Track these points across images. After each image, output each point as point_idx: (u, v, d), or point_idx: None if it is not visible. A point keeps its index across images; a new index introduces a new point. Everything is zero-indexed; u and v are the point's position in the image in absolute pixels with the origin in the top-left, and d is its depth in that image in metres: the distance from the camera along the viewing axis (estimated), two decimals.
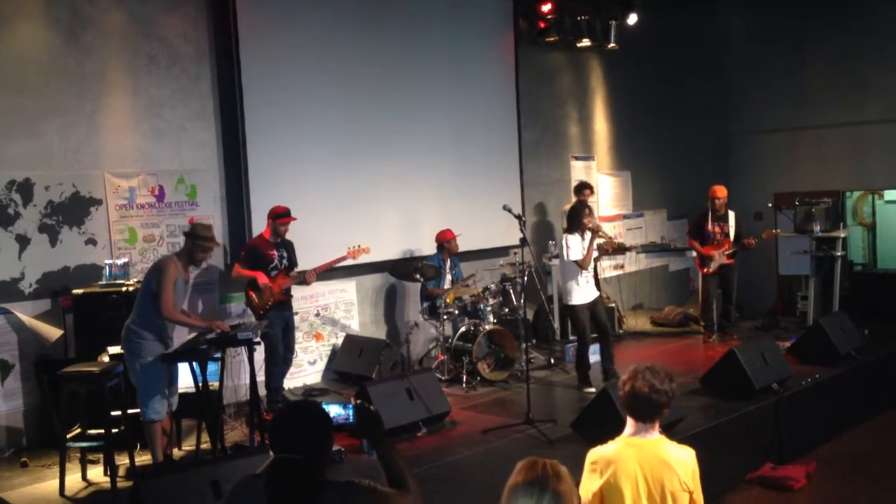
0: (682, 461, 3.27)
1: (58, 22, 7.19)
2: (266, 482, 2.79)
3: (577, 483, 3.29)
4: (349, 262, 8.04)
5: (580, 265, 7.88)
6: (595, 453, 3.30)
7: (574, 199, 10.53)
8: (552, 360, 9.13)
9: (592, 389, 7.76)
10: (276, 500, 2.76)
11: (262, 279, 7.42)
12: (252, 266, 7.47)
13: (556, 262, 10.16)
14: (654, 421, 3.30)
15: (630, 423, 3.34)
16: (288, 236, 7.78)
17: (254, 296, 7.46)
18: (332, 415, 3.09)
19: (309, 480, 2.77)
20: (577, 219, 7.99)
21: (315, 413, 2.91)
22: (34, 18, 7.09)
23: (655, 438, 3.31)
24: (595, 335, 8.21)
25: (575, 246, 7.90)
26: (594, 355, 8.28)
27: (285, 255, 7.62)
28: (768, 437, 7.20)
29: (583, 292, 7.97)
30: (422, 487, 5.48)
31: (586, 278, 7.97)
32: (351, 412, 3.09)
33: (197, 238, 6.08)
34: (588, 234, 7.95)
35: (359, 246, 7.92)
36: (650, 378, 3.26)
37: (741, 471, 6.87)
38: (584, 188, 10.43)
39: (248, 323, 6.65)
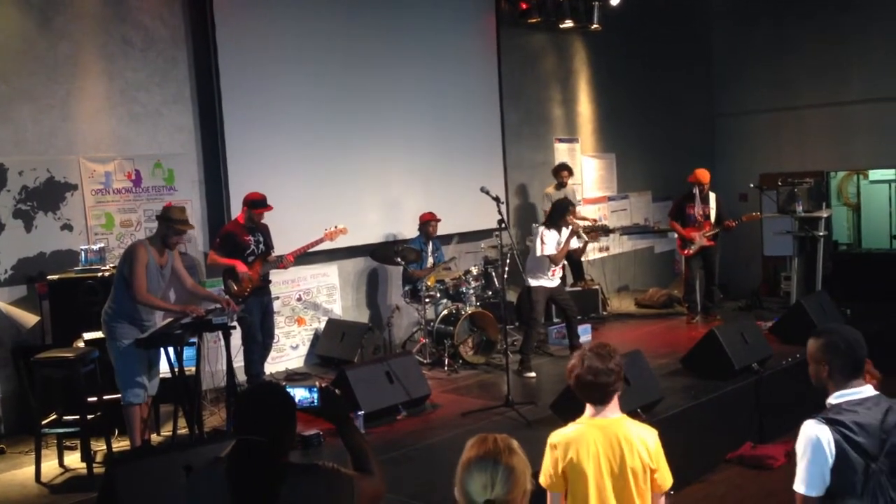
0: (643, 439, 3.27)
1: (29, 5, 7.09)
2: (227, 465, 2.76)
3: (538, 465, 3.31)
4: (327, 244, 7.97)
5: (553, 260, 7.97)
6: (556, 435, 3.30)
7: (554, 182, 10.55)
8: (535, 343, 9.11)
9: (532, 374, 8.00)
10: (238, 483, 2.73)
11: (241, 268, 7.31)
12: (228, 253, 7.38)
13: None
14: (609, 400, 3.29)
15: (588, 406, 3.34)
16: (269, 220, 7.71)
17: (232, 284, 7.38)
18: (297, 398, 3.03)
19: (270, 463, 2.74)
20: (560, 216, 8.06)
21: (277, 395, 2.86)
22: (5, 1, 6.98)
23: (617, 418, 3.30)
24: (561, 319, 8.74)
25: (550, 241, 7.99)
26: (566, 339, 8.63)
27: (261, 239, 7.53)
28: (748, 416, 7.21)
29: (544, 280, 8.10)
30: (400, 469, 5.52)
31: (552, 271, 8.05)
32: (317, 395, 3.05)
33: (170, 221, 6.01)
34: (565, 232, 7.99)
35: (336, 227, 7.84)
36: (593, 363, 3.24)
37: (721, 450, 6.88)
38: (561, 170, 10.47)
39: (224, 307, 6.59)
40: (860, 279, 11.35)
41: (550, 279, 8.09)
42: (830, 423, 2.97)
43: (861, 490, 2.95)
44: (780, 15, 13.03)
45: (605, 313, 10.67)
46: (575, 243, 8.29)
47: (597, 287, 10.72)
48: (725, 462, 6.81)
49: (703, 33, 13.95)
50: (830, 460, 2.94)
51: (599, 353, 3.28)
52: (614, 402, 3.31)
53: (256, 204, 7.43)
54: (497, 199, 7.14)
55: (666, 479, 3.30)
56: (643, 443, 3.25)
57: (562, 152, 11.71)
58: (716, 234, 9.83)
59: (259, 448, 2.73)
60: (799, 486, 3.03)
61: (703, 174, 9.81)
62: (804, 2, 12.77)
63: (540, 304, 8.13)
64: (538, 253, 8.01)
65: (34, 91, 7.13)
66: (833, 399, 3.10)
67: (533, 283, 8.07)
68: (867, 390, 3.09)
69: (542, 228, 8.09)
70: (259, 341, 7.48)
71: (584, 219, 10.80)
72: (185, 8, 8.05)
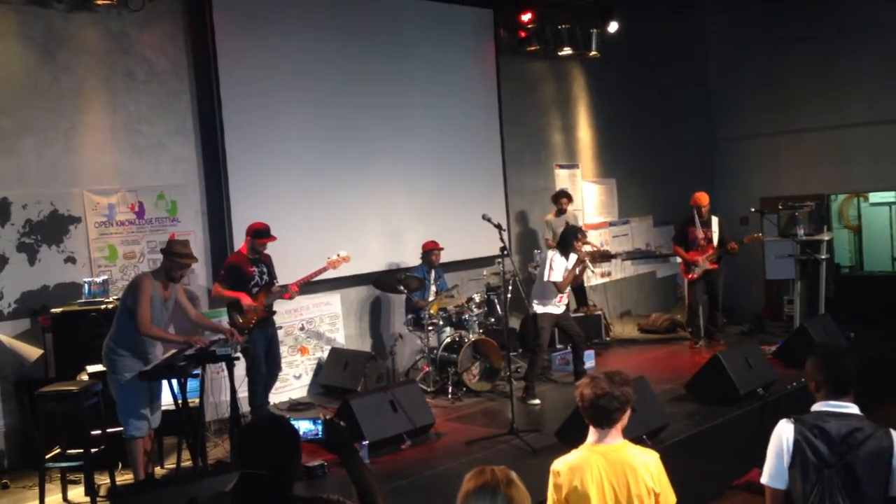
0: (645, 463, 3.31)
1: (32, 39, 7.16)
2: (232, 500, 2.75)
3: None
4: (331, 273, 7.97)
5: (558, 287, 7.95)
6: (559, 462, 3.32)
7: (553, 209, 10.56)
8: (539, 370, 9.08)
9: (537, 402, 7.95)
10: None
11: (246, 300, 7.31)
12: (232, 285, 7.38)
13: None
14: (612, 426, 3.31)
15: (592, 431, 3.36)
16: (272, 251, 7.72)
17: (237, 316, 7.36)
18: (301, 430, 3.03)
19: (275, 497, 2.73)
20: (569, 243, 8.07)
21: (281, 428, 2.87)
22: (8, 36, 7.05)
23: (618, 443, 3.33)
24: (569, 345, 8.68)
25: (558, 268, 7.98)
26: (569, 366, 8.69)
27: (265, 270, 7.53)
28: (754, 442, 7.15)
29: (551, 306, 8.07)
30: (405, 499, 5.48)
31: (559, 298, 8.03)
32: (321, 427, 3.06)
33: (173, 255, 6.05)
34: (573, 258, 8.00)
35: (338, 255, 7.86)
36: (601, 384, 3.28)
37: (727, 477, 6.83)
38: (560, 197, 10.49)
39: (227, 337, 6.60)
40: (863, 302, 11.34)
41: (556, 305, 8.08)
42: (796, 421, 3.27)
43: (811, 491, 3.17)
44: (777, 39, 13.10)
45: (607, 339, 10.65)
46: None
47: (599, 312, 10.71)
48: (732, 488, 6.76)
49: (700, 58, 14.04)
50: (786, 456, 3.23)
51: (610, 377, 3.30)
52: (617, 429, 3.33)
53: (260, 234, 7.44)
54: (499, 227, 7.15)
55: (670, 499, 3.33)
56: (646, 468, 3.28)
57: (562, 178, 11.74)
58: (719, 258, 9.83)
59: (263, 482, 2.73)
60: (763, 478, 3.31)
61: (702, 197, 9.82)
62: (800, 26, 12.84)
63: (546, 332, 8.11)
64: (545, 278, 8.00)
65: (37, 124, 7.18)
66: (814, 407, 3.36)
67: (539, 309, 8.04)
68: (850, 408, 3.30)
69: (552, 254, 8.08)
70: (263, 373, 7.45)
71: (587, 243, 10.80)
72: (187, 40, 8.12)
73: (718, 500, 6.56)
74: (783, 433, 3.25)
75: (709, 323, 10.13)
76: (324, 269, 7.80)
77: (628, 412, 3.36)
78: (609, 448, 3.30)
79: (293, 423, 2.99)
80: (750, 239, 10.17)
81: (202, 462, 6.15)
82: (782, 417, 3.34)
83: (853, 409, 3.29)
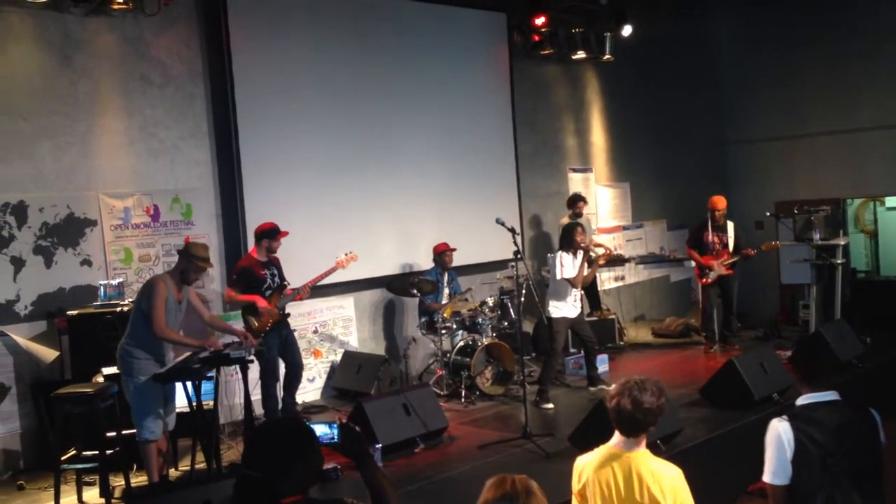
0: (660, 475, 3.25)
1: (50, 44, 7.22)
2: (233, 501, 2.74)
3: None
4: (344, 275, 7.97)
5: (572, 283, 7.94)
6: (580, 458, 3.45)
7: (568, 212, 10.53)
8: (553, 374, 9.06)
9: (550, 406, 7.92)
10: None
11: (261, 303, 7.31)
12: (245, 289, 7.36)
13: None
14: (640, 436, 3.30)
15: (617, 434, 3.35)
16: (286, 253, 7.73)
17: (253, 320, 7.36)
18: (318, 434, 3.01)
19: (264, 499, 2.68)
20: (571, 238, 8.06)
21: (284, 430, 2.84)
22: (26, 41, 7.12)
23: (639, 452, 3.31)
24: (581, 349, 8.70)
25: (568, 264, 7.98)
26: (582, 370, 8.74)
27: (276, 273, 7.53)
28: None
29: (567, 308, 8.05)
30: (418, 503, 5.49)
31: (574, 297, 8.03)
32: (336, 432, 3.06)
33: (192, 257, 6.06)
34: (580, 254, 8.00)
35: (346, 255, 7.86)
36: (637, 395, 3.25)
37: (742, 482, 6.74)
38: (577, 201, 10.45)
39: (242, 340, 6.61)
40: (879, 306, 11.24)
41: (573, 306, 8.07)
42: (790, 418, 3.40)
43: (819, 484, 3.29)
44: (789, 42, 13.02)
45: (621, 343, 10.61)
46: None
47: (613, 316, 10.67)
48: (747, 494, 6.69)
49: (713, 62, 13.98)
50: (789, 451, 3.33)
51: (647, 388, 3.29)
52: (643, 437, 3.32)
53: (272, 233, 7.42)
54: (512, 230, 7.14)
55: None
56: (655, 478, 3.23)
57: (576, 182, 11.73)
58: (734, 263, 9.77)
59: (255, 483, 2.69)
60: (766, 476, 3.41)
61: (718, 200, 9.74)
62: (812, 29, 12.75)
63: (561, 336, 8.09)
64: (558, 276, 7.99)
65: (54, 128, 7.24)
66: (800, 401, 3.52)
67: (554, 314, 8.03)
68: (831, 396, 3.48)
69: (558, 254, 8.08)
70: (277, 376, 7.46)
71: (599, 245, 10.78)
72: (202, 45, 8.16)
73: None
74: (780, 430, 3.37)
75: (723, 327, 10.06)
76: (333, 270, 7.81)
77: None
78: (627, 452, 3.31)
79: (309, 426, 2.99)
80: (768, 247, 10.10)
81: (216, 464, 6.17)
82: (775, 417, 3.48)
83: (833, 395, 3.48)
